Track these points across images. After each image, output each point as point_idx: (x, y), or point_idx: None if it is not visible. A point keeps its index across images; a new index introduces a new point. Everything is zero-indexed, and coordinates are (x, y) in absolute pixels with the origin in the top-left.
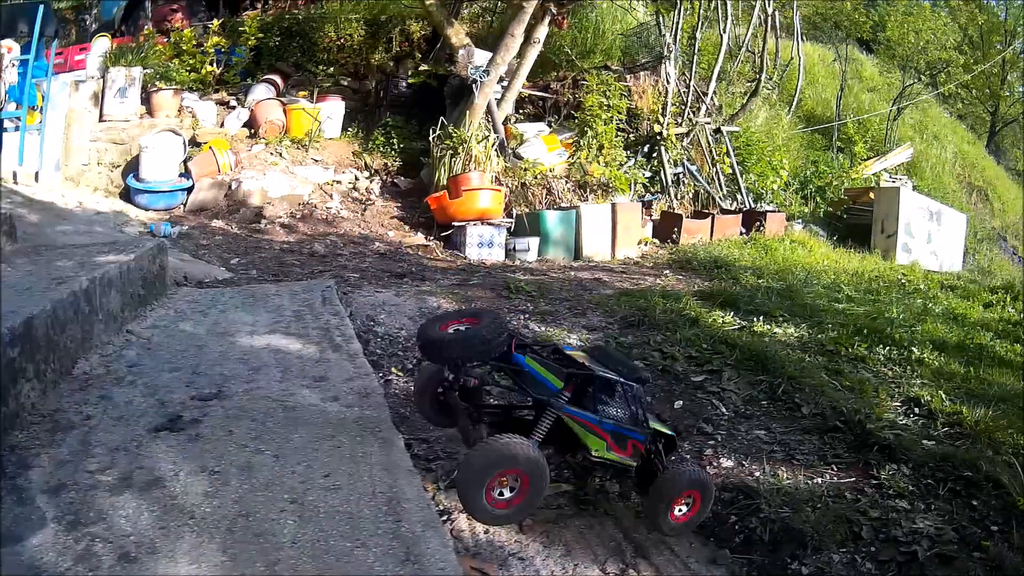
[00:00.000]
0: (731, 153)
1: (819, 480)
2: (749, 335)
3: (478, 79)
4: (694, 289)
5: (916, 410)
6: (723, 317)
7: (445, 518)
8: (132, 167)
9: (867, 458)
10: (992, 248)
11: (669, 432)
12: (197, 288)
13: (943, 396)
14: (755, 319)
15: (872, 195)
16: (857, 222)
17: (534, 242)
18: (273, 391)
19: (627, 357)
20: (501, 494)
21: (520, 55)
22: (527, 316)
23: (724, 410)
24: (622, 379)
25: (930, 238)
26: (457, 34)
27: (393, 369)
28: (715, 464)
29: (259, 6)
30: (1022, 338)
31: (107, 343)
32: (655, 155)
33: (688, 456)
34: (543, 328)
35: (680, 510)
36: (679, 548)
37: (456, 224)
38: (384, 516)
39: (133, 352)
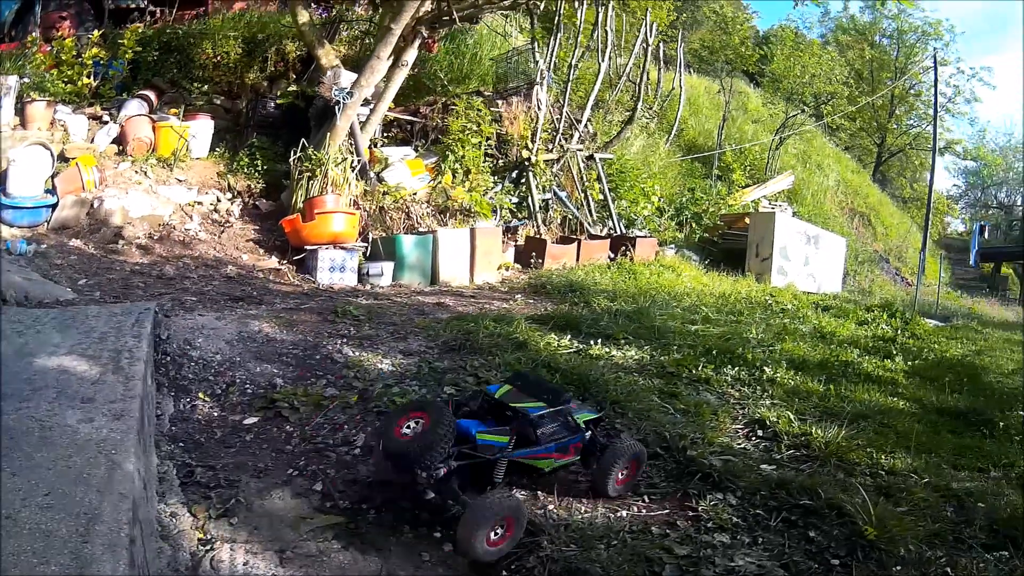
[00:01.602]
0: (603, 179)
1: (623, 513)
2: (582, 358)
3: (341, 101)
4: (536, 313)
5: (760, 432)
6: (558, 340)
7: (208, 547)
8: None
9: (687, 487)
10: (874, 269)
11: (596, 415)
12: (33, 309)
13: (791, 417)
14: (594, 342)
15: (747, 220)
16: (733, 247)
17: (388, 267)
18: (40, 411)
19: (545, 382)
20: (493, 535)
21: (388, 78)
22: (346, 340)
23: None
24: (548, 409)
25: (807, 261)
26: (327, 55)
27: (201, 394)
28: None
29: (146, 19)
30: (892, 353)
31: None
32: (523, 181)
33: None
34: (358, 353)
35: (621, 475)
36: None
37: (308, 248)
38: (76, 536)
39: None
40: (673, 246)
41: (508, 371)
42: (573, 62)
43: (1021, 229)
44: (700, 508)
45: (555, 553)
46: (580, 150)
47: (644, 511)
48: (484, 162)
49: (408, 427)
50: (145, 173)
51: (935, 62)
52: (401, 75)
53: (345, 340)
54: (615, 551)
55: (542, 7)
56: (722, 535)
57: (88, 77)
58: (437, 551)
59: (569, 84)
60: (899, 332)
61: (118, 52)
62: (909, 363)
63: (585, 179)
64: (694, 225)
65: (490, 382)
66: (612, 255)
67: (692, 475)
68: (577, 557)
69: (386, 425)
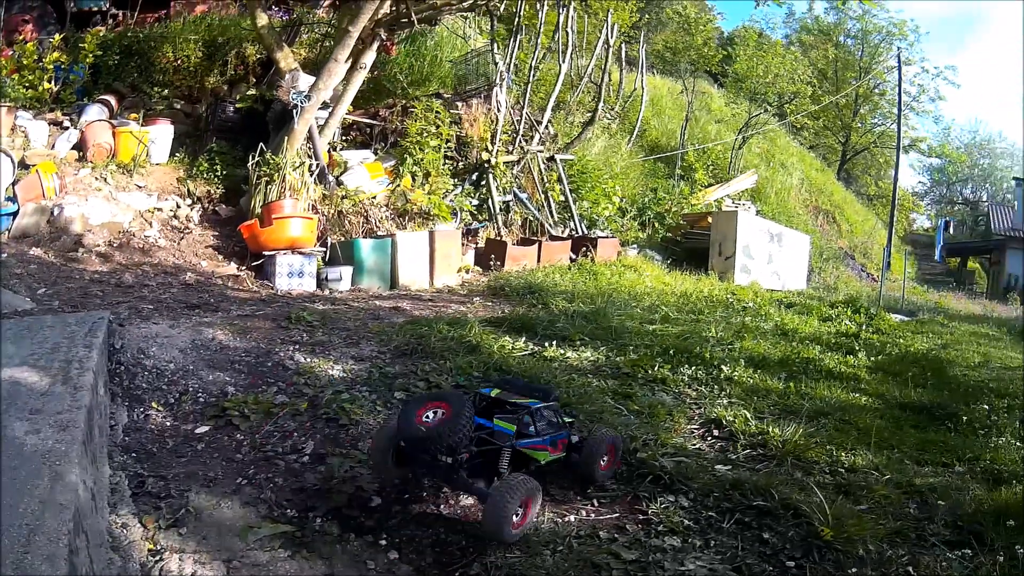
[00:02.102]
0: (564, 180)
1: (571, 518)
2: (536, 360)
3: (299, 104)
4: (492, 315)
5: (716, 432)
6: (513, 343)
7: (157, 558)
8: None
9: (637, 490)
10: (839, 266)
11: (571, 418)
12: None
13: (747, 416)
14: (549, 344)
15: (710, 219)
16: (695, 246)
17: (347, 271)
18: None
19: (531, 383)
20: (515, 516)
21: (346, 81)
22: (298, 347)
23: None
24: (543, 404)
25: (771, 259)
26: (286, 58)
27: (154, 404)
28: (451, 503)
29: (109, 22)
30: (855, 349)
31: None
32: (484, 183)
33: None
34: (309, 359)
35: (603, 462)
36: None
37: (267, 253)
38: (19, 546)
39: None
40: (636, 246)
41: (459, 375)
42: (534, 63)
43: (987, 224)
44: (651, 511)
45: (499, 560)
46: (541, 151)
47: (592, 515)
48: (444, 164)
49: (428, 416)
50: (105, 180)
51: (899, 61)
52: (359, 78)
53: (297, 346)
54: (561, 557)
55: (502, 8)
56: (673, 538)
57: (49, 82)
58: (383, 558)
59: (529, 85)
60: (863, 328)
61: (79, 56)
62: (872, 358)
63: (546, 180)
64: (657, 225)
65: (440, 386)
66: (573, 256)
67: (643, 477)
68: (522, 564)
69: (405, 415)
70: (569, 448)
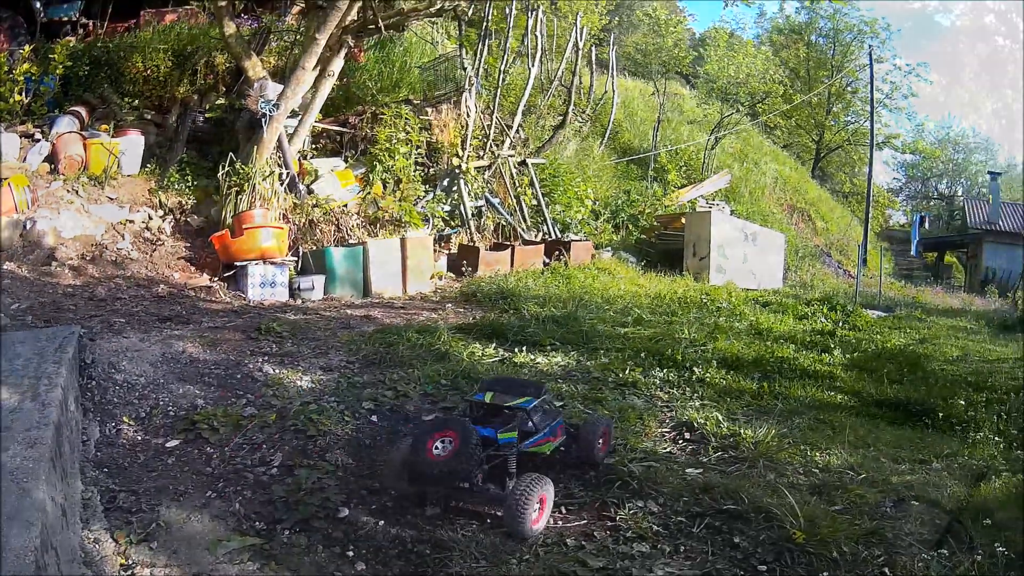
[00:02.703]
0: (535, 184)
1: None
2: (505, 367)
3: (268, 113)
4: (463, 322)
5: (687, 435)
6: (483, 349)
7: (128, 572)
8: None
9: (606, 496)
10: (815, 264)
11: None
12: None
13: (719, 417)
14: (519, 350)
15: (684, 220)
16: (670, 247)
17: (319, 280)
18: None
19: (522, 380)
20: (534, 514)
21: (315, 88)
22: (267, 358)
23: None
24: (536, 399)
25: (746, 258)
26: (255, 67)
27: (125, 418)
28: (419, 514)
29: (79, 32)
30: (830, 346)
31: None
32: (455, 188)
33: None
34: (278, 371)
35: (600, 443)
36: None
37: (239, 264)
38: None
39: None
40: (610, 249)
41: (428, 384)
42: (503, 68)
43: (963, 218)
44: (619, 517)
45: (465, 569)
46: (512, 156)
47: (560, 523)
48: (415, 171)
49: (437, 447)
50: (77, 192)
51: (871, 59)
52: (328, 85)
53: (267, 358)
54: (527, 566)
55: (470, 12)
56: (641, 545)
57: (20, 94)
58: (349, 569)
59: (499, 90)
60: (839, 325)
61: (49, 67)
62: (848, 356)
63: (518, 184)
64: (631, 227)
65: (408, 395)
66: (547, 260)
67: (612, 483)
68: (487, 573)
69: (416, 449)
70: (567, 437)
